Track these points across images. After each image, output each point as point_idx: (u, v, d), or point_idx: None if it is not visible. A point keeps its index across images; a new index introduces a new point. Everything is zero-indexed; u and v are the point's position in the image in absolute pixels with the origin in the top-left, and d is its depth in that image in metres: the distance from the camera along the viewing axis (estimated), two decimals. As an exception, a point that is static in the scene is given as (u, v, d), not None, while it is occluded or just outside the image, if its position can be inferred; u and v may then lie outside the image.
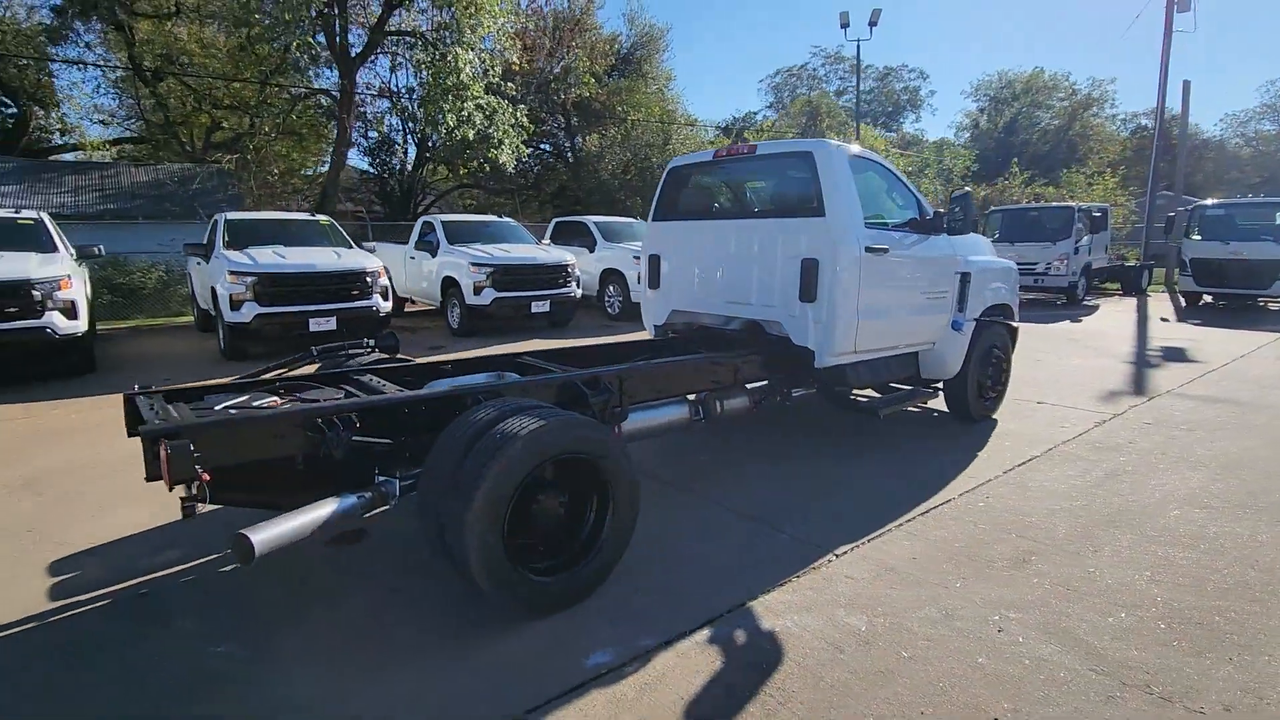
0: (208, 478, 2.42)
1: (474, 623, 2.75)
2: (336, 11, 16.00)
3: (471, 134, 15.77)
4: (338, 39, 16.82)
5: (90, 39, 22.77)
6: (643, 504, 3.19)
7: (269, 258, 8.71)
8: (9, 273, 6.95)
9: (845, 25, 23.22)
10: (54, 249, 8.17)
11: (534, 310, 10.57)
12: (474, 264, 10.25)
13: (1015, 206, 17.48)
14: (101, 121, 26.60)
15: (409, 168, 23.71)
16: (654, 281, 5.50)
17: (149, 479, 2.44)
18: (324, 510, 2.60)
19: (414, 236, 12.15)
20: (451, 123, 15.18)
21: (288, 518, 2.49)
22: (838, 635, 2.67)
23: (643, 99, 25.75)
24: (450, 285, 10.67)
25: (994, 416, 5.77)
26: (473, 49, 16.41)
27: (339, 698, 2.34)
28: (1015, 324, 5.96)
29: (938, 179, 25.94)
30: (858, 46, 24.53)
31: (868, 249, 4.38)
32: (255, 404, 3.09)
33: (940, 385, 5.51)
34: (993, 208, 17.40)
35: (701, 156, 5.31)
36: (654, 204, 5.55)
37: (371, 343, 4.05)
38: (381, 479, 2.90)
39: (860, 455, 4.89)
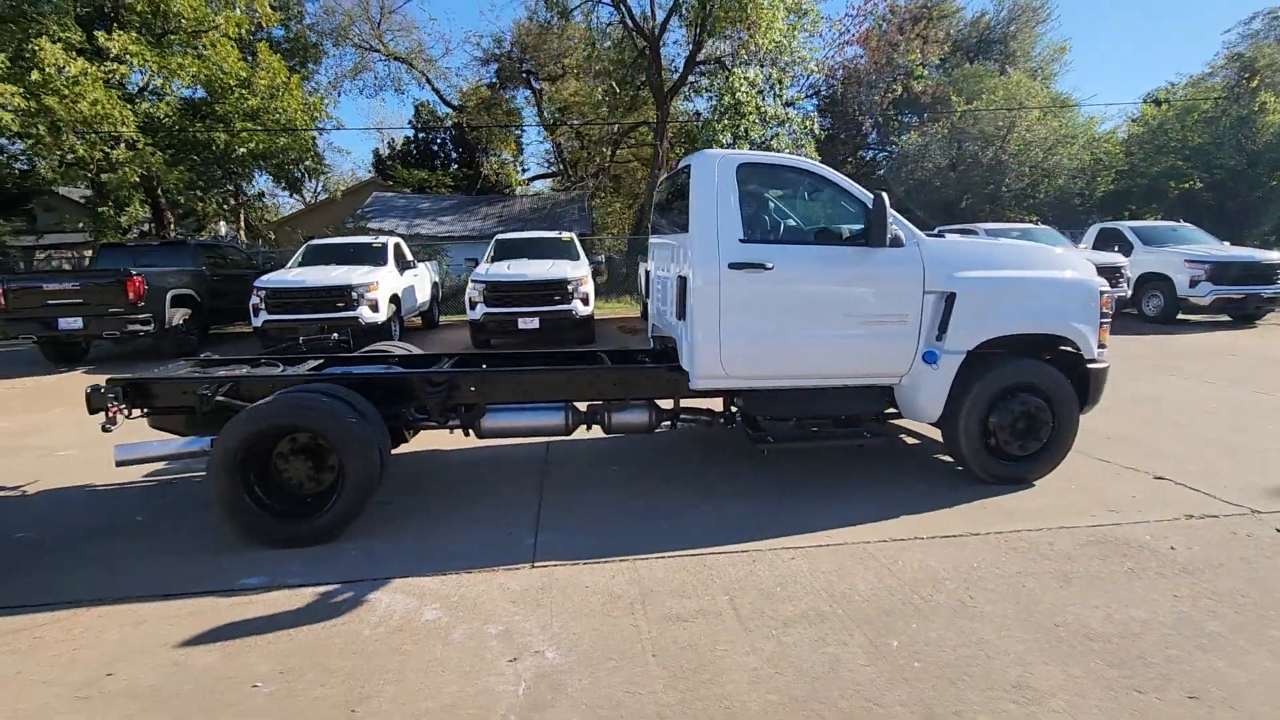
0: (113, 412, 4.01)
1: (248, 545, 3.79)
2: (650, 53, 18.37)
3: (747, 148, 16.43)
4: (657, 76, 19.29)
5: (518, 103, 30.28)
6: (483, 489, 3.80)
7: (500, 270, 11.03)
8: (337, 279, 10.51)
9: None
10: (384, 263, 11.79)
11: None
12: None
13: None
14: (545, 163, 35.04)
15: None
16: (646, 293, 5.70)
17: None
18: (175, 443, 4.01)
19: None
20: (725, 141, 16.11)
21: (150, 443, 3.97)
22: (404, 607, 2.99)
23: (996, 83, 22.55)
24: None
25: (1033, 481, 4.38)
26: (763, 65, 17.03)
27: (124, 569, 3.64)
28: (1093, 362, 4.36)
29: None
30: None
31: (733, 265, 4.02)
32: (220, 371, 4.68)
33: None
34: None
35: (671, 173, 5.32)
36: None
37: (336, 337, 5.43)
38: (248, 431, 4.18)
39: (753, 492, 4.40)
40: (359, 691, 2.49)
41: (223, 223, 30.61)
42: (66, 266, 23.61)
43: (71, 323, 10.18)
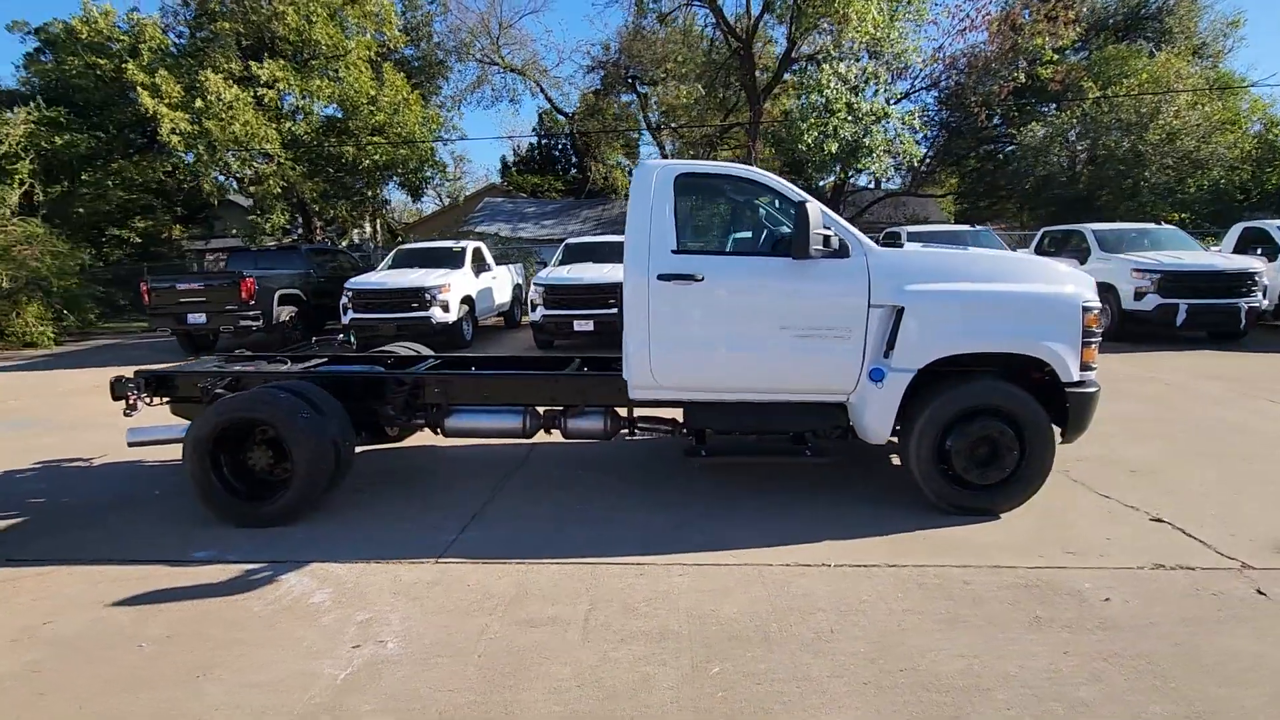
0: (133, 399, 4.66)
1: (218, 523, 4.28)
2: (742, 53, 18.14)
3: (835, 147, 15.77)
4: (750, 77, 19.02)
5: (631, 108, 30.87)
6: (450, 483, 4.16)
7: (560, 273, 11.39)
8: (412, 282, 11.31)
9: None
10: (460, 266, 12.54)
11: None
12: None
13: None
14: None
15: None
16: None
17: (122, 397, 4.82)
18: (180, 428, 4.60)
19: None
20: (809, 140, 15.54)
21: (158, 427, 4.59)
22: (302, 589, 3.29)
23: (1141, 65, 20.10)
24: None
25: (999, 513, 3.99)
26: (859, 59, 16.33)
27: (120, 535, 4.25)
28: (1076, 385, 3.90)
29: None
30: None
31: (663, 276, 4.00)
32: (236, 367, 5.27)
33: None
34: None
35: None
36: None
37: (341, 338, 5.90)
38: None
39: (699, 505, 4.33)
40: (213, 660, 2.79)
41: (366, 224, 33.83)
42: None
43: (197, 318, 11.75)
